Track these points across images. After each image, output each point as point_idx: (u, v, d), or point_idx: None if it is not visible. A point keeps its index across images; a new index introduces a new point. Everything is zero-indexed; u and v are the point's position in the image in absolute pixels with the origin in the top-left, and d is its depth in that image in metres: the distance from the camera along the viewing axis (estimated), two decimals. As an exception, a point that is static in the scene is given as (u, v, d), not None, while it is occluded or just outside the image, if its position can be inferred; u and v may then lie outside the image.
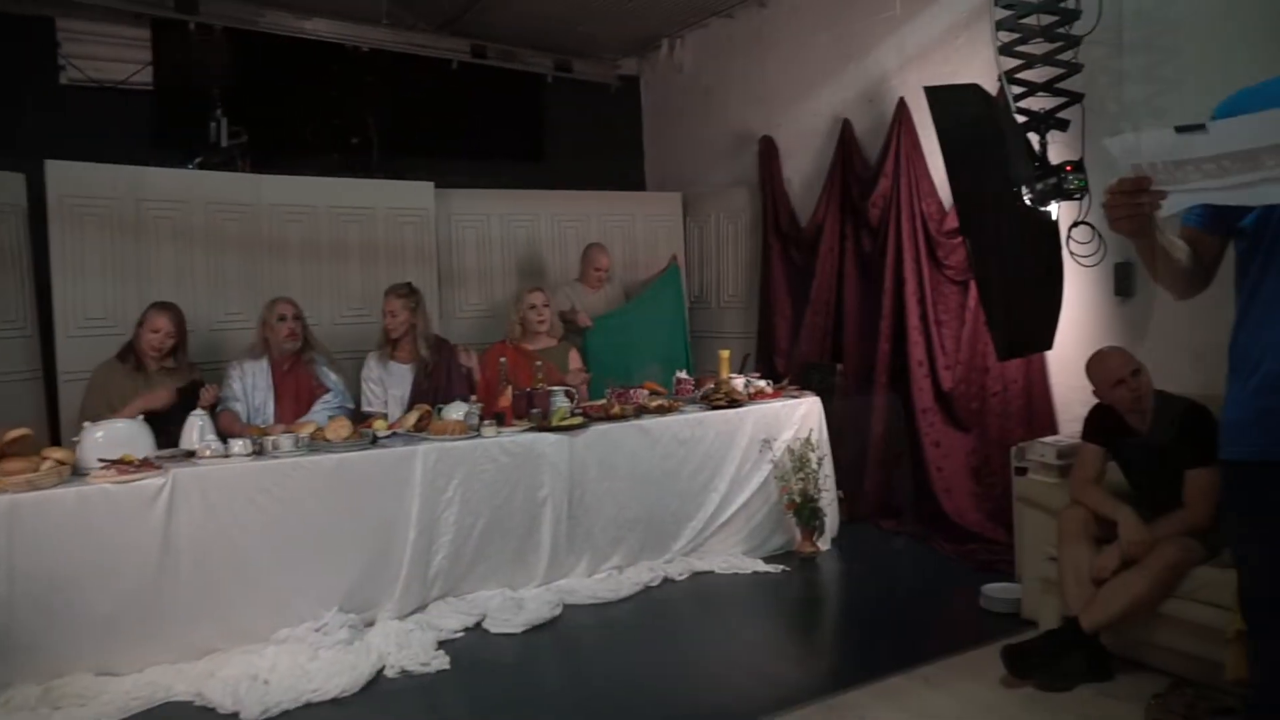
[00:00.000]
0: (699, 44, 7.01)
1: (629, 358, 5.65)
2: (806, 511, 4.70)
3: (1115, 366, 3.40)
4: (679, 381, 5.05)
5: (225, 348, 5.12)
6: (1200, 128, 1.63)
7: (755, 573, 4.58)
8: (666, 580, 4.45)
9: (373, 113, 6.51)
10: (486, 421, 4.24)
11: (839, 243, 5.64)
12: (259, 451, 3.77)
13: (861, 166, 5.54)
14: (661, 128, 7.56)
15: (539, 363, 4.75)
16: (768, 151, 6.24)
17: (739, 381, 4.95)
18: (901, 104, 5.21)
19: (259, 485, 3.65)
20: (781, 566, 4.65)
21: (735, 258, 6.65)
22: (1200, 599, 3.11)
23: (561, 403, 4.40)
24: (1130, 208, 1.73)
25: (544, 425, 4.30)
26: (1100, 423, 3.53)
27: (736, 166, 6.64)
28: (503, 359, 4.72)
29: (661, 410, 4.66)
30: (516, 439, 4.22)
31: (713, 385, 4.91)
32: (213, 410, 4.18)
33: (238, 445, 3.73)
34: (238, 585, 3.58)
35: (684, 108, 7.21)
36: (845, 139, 5.62)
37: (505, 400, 4.43)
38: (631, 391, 4.79)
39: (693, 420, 4.68)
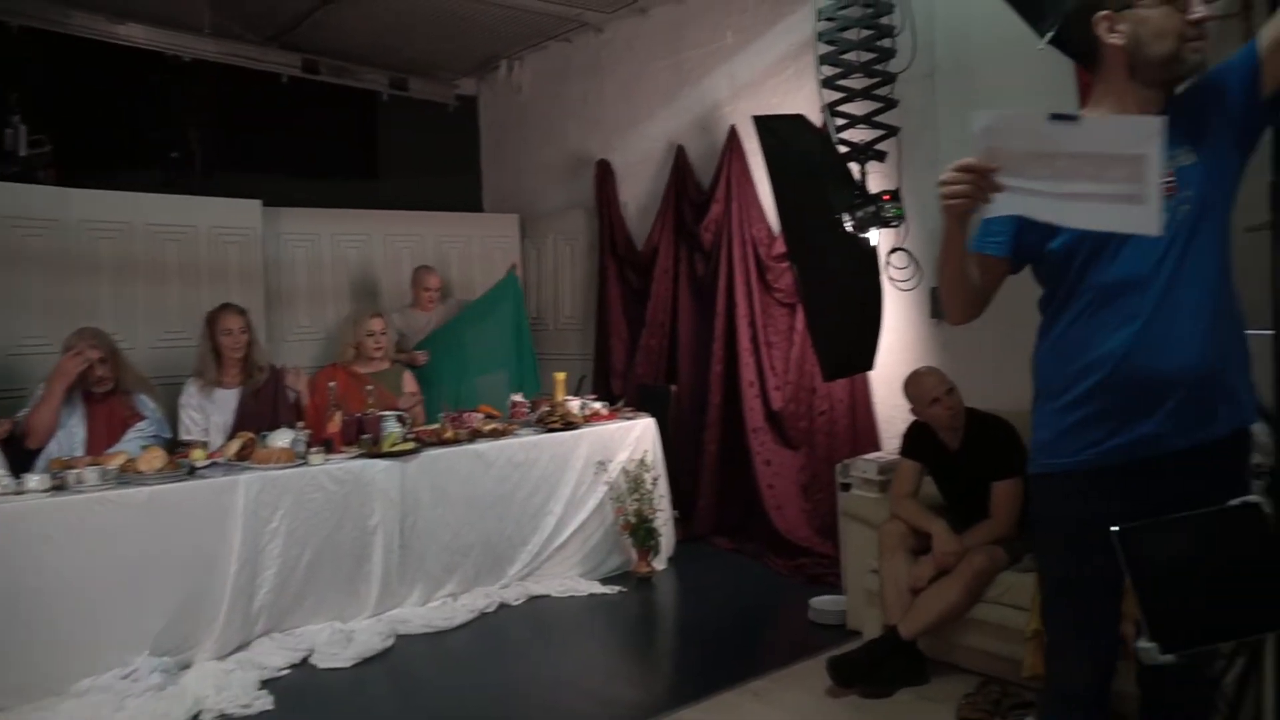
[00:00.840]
0: (537, 66, 7.03)
1: (466, 373, 5.59)
2: (642, 532, 4.75)
3: (930, 386, 3.59)
4: (514, 404, 5.02)
5: (24, 373, 4.76)
6: (1074, 118, 1.65)
7: (592, 595, 4.58)
8: (503, 606, 4.40)
9: (195, 126, 6.22)
10: (314, 448, 4.09)
11: (674, 265, 5.75)
12: (60, 486, 3.51)
13: (695, 191, 5.67)
14: (499, 149, 7.52)
15: (370, 386, 4.63)
16: (604, 175, 6.31)
17: (574, 403, 4.96)
18: (733, 132, 5.38)
19: (57, 523, 3.39)
20: (618, 588, 4.67)
21: (572, 280, 6.68)
22: (1004, 602, 3.33)
23: (393, 428, 4.29)
24: (971, 187, 1.70)
25: (375, 451, 4.19)
26: (916, 439, 3.72)
27: (574, 189, 6.68)
28: (332, 383, 4.58)
29: (496, 434, 4.62)
30: (346, 466, 4.09)
31: (548, 407, 4.90)
32: (7, 442, 3.88)
33: (33, 480, 3.46)
34: (29, 635, 3.29)
35: (522, 129, 7.20)
36: (680, 164, 5.75)
37: (334, 426, 4.29)
38: (466, 415, 4.73)
39: (528, 443, 4.66)
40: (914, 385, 3.65)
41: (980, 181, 1.69)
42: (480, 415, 4.80)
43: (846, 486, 4.15)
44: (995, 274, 1.97)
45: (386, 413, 4.37)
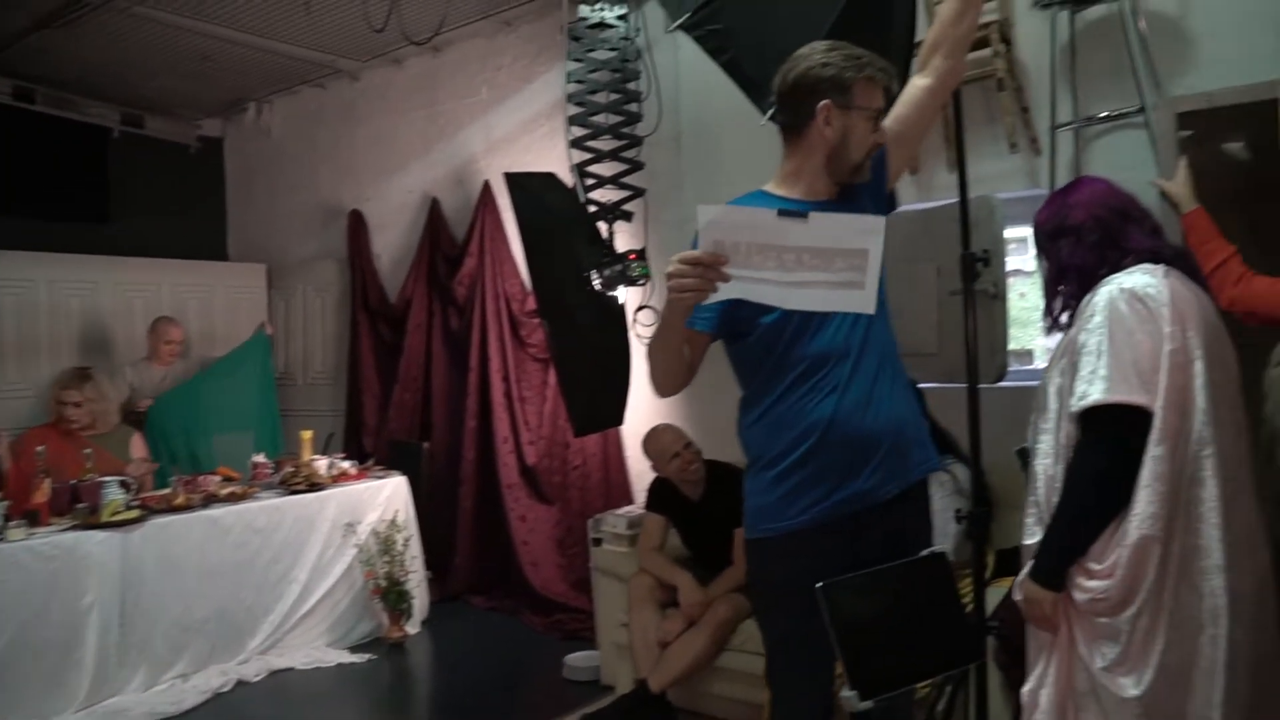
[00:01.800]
0: (288, 110, 6.78)
1: (204, 434, 5.24)
2: (393, 595, 4.59)
3: (668, 442, 3.70)
4: (255, 465, 4.74)
5: None
6: (802, 215, 1.71)
7: (340, 665, 4.37)
8: (241, 684, 4.11)
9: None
10: (14, 521, 3.69)
11: (427, 319, 5.66)
12: None
13: (449, 245, 5.63)
14: (246, 194, 7.17)
15: (88, 450, 4.23)
16: (357, 225, 6.15)
17: (322, 463, 4.75)
18: (487, 186, 5.39)
19: None
20: (368, 655, 4.48)
21: (323, 333, 6.43)
22: (748, 649, 3.44)
23: (115, 494, 3.93)
24: (699, 280, 1.71)
25: (92, 522, 3.83)
26: (660, 494, 3.81)
27: (326, 239, 6.46)
28: (41, 447, 4.14)
29: (234, 497, 4.34)
30: (54, 540, 3.71)
31: (292, 468, 4.67)
32: None
33: None
34: None
35: (271, 175, 6.91)
36: (434, 217, 5.69)
37: (42, 495, 3.89)
38: (201, 478, 4.41)
39: (269, 506, 4.41)
40: (653, 442, 3.75)
41: (708, 274, 1.71)
42: (217, 478, 4.50)
43: (598, 541, 4.19)
44: (701, 347, 2.03)
45: (107, 478, 4.01)
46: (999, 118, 3.69)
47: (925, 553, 1.90)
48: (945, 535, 3.01)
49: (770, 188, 2.07)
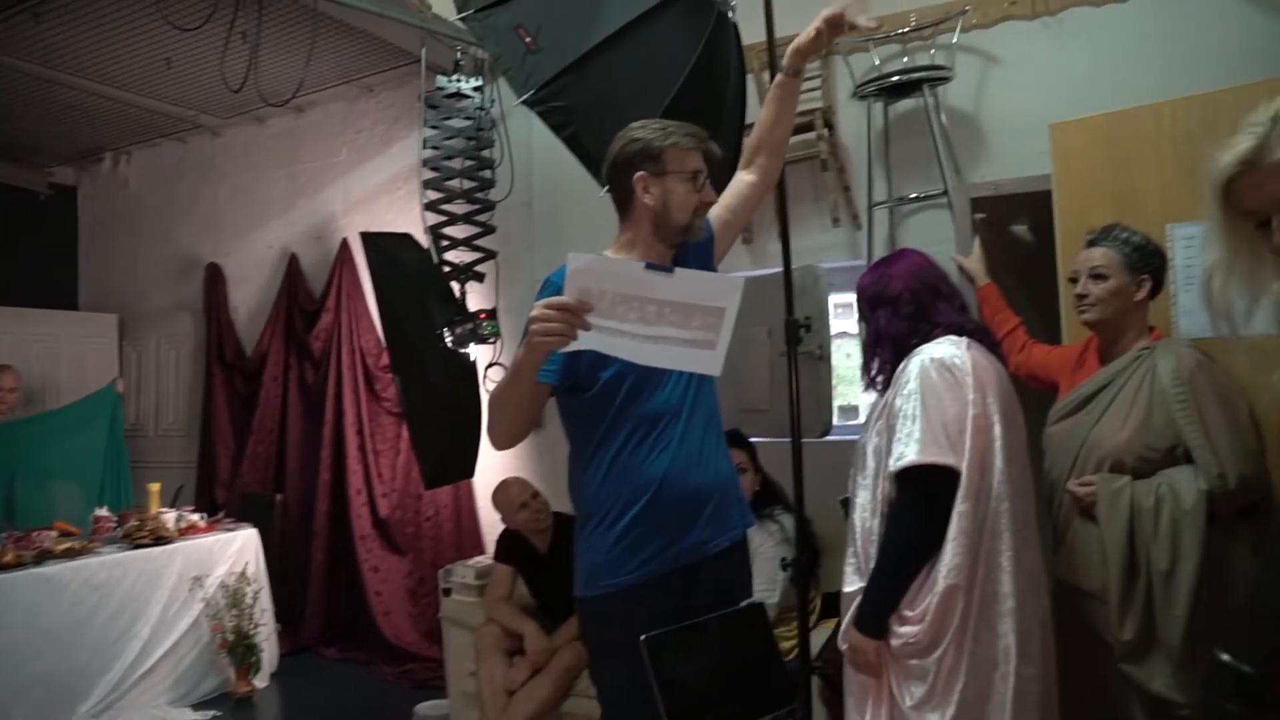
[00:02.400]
0: (147, 162, 6.47)
1: (32, 484, 4.85)
2: (241, 649, 4.33)
3: (516, 494, 3.64)
4: (97, 519, 4.42)
5: None
6: (668, 270, 1.68)
7: (182, 723, 4.09)
8: (70, 747, 3.79)
9: None
10: None
11: (283, 373, 5.45)
12: None
13: (307, 300, 5.45)
14: (101, 244, 6.76)
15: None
16: (215, 278, 5.89)
17: (170, 516, 4.47)
18: (345, 244, 5.26)
19: None
20: (213, 712, 4.19)
21: (176, 385, 6.09)
22: (591, 695, 3.35)
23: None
24: (563, 325, 1.66)
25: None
26: (508, 545, 3.74)
27: (181, 291, 6.14)
28: None
29: (71, 553, 4.02)
30: None
31: (137, 522, 4.37)
32: None
33: None
34: None
35: (128, 226, 6.54)
36: (292, 272, 5.51)
37: None
38: (35, 534, 4.07)
39: (110, 562, 4.09)
40: (501, 494, 3.70)
41: (572, 319, 1.66)
42: (54, 533, 4.16)
43: (448, 591, 4.07)
44: (542, 400, 2.00)
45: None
46: (824, 195, 3.85)
47: (744, 604, 1.92)
48: (774, 581, 3.06)
49: (609, 254, 2.09)
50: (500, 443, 2.00)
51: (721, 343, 1.74)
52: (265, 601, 4.58)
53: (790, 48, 2.22)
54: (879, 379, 2.09)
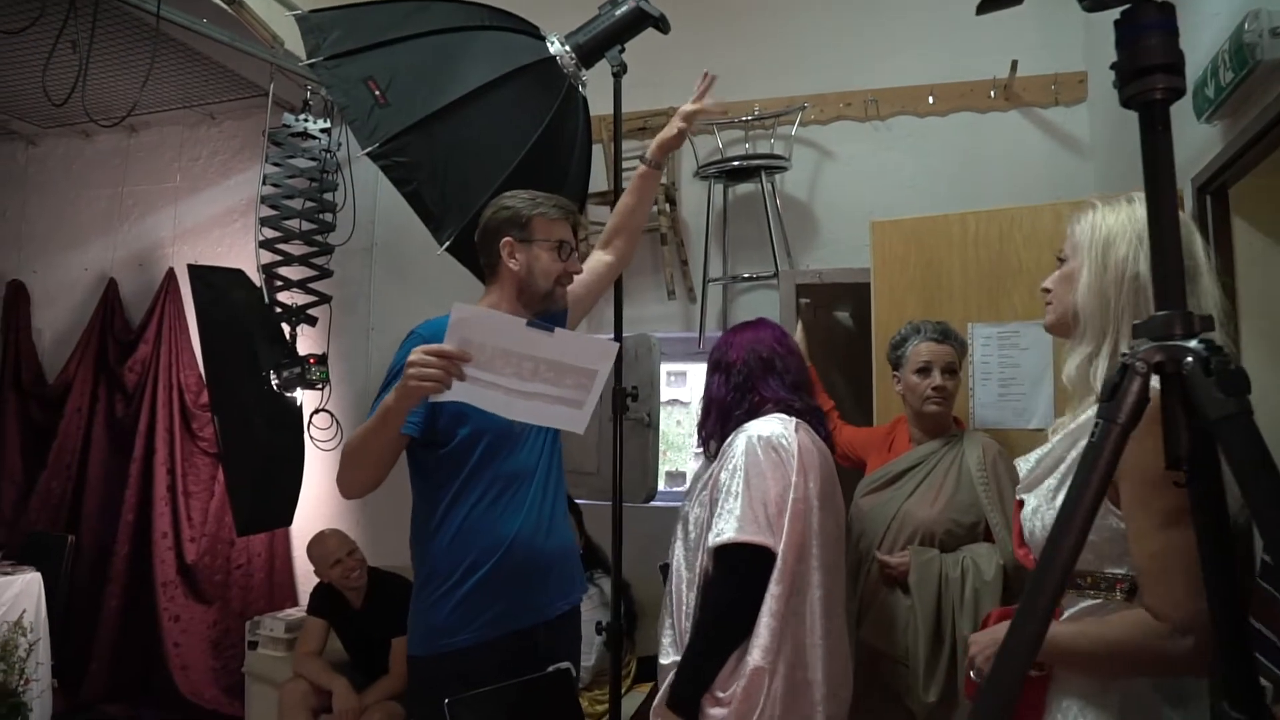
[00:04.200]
0: (-53, 166, 5.98)
1: None
2: (3, 710, 3.94)
3: (332, 548, 3.53)
4: None
5: None
6: (549, 329, 1.73)
7: (-73, 791, 3.68)
8: None
9: None
10: None
11: (89, 404, 5.07)
12: None
13: (123, 329, 5.13)
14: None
15: None
16: (17, 297, 5.44)
17: (-64, 556, 4.08)
18: (171, 274, 5.01)
19: None
20: (-34, 777, 3.80)
21: (-39, 409, 5.58)
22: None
23: None
24: (441, 372, 1.68)
25: None
26: (322, 598, 3.61)
27: (-24, 308, 5.67)
28: None
29: None
30: None
31: (-105, 560, 3.96)
32: None
33: None
34: None
35: (-83, 232, 6.01)
36: (109, 298, 5.17)
37: None
38: None
39: None
40: (317, 546, 3.58)
41: (449, 368, 1.68)
42: None
43: (254, 644, 3.89)
44: (398, 451, 1.96)
45: None
46: (661, 268, 3.98)
47: (551, 668, 1.93)
48: (590, 644, 3.09)
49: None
50: (351, 491, 1.95)
51: (589, 403, 1.79)
52: (42, 654, 4.18)
53: (654, 142, 2.38)
54: (711, 443, 2.10)
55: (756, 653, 1.79)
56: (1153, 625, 1.19)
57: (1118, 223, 1.35)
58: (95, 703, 4.66)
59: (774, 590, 1.81)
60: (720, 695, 1.81)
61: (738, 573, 1.84)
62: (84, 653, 4.68)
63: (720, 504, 1.88)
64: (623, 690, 2.64)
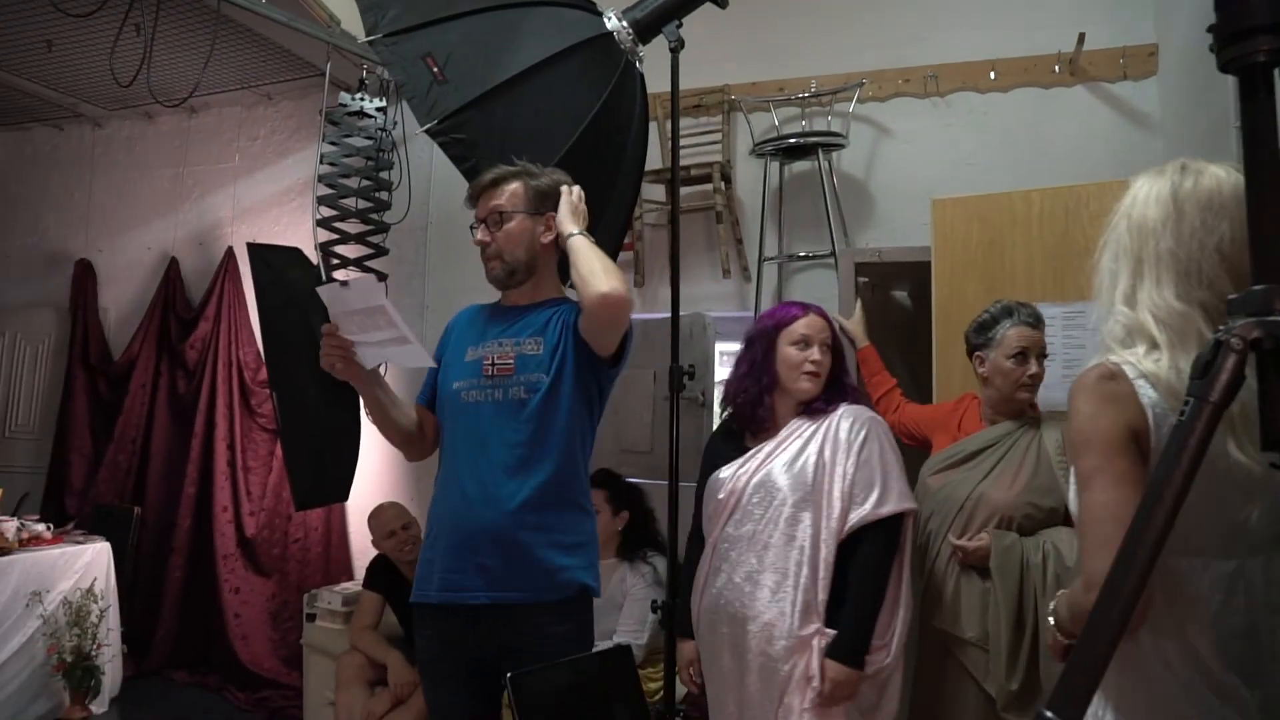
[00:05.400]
0: (15, 146, 6.09)
1: None
2: (79, 672, 4.06)
3: (388, 519, 3.58)
4: (-74, 525, 4.12)
5: None
6: (345, 283, 1.87)
7: (3, 751, 3.81)
8: None
9: None
10: None
11: (153, 380, 5.19)
12: None
13: (184, 307, 5.24)
14: (-45, 230, 6.35)
15: None
16: (85, 275, 5.58)
17: (9, 525, 4.18)
18: (230, 253, 5.09)
19: None
20: (41, 738, 3.94)
21: (32, 384, 5.72)
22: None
23: None
24: (329, 348, 1.94)
25: None
26: (378, 572, 3.66)
27: (46, 286, 5.79)
28: None
29: (-106, 560, 3.74)
30: None
31: (-28, 530, 4.09)
32: None
33: None
34: None
35: (-11, 211, 6.17)
36: (171, 277, 5.28)
37: None
38: None
39: (-63, 571, 3.82)
40: (375, 517, 3.63)
41: (329, 343, 1.91)
42: (-124, 537, 3.87)
43: (312, 617, 3.95)
44: (391, 419, 2.11)
45: None
46: (716, 246, 3.95)
47: (612, 645, 1.94)
48: (643, 624, 3.09)
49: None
50: (404, 454, 2.19)
51: (409, 335, 1.88)
52: (112, 620, 4.32)
53: None
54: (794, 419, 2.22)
55: (904, 598, 2.09)
56: (1078, 580, 1.22)
57: (1149, 182, 1.31)
58: (160, 670, 4.79)
59: (905, 548, 2.12)
60: (878, 643, 2.05)
61: (893, 537, 2.09)
62: (150, 621, 4.82)
63: (874, 477, 2.09)
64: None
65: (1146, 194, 1.30)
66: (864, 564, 2.06)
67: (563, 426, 1.99)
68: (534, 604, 1.93)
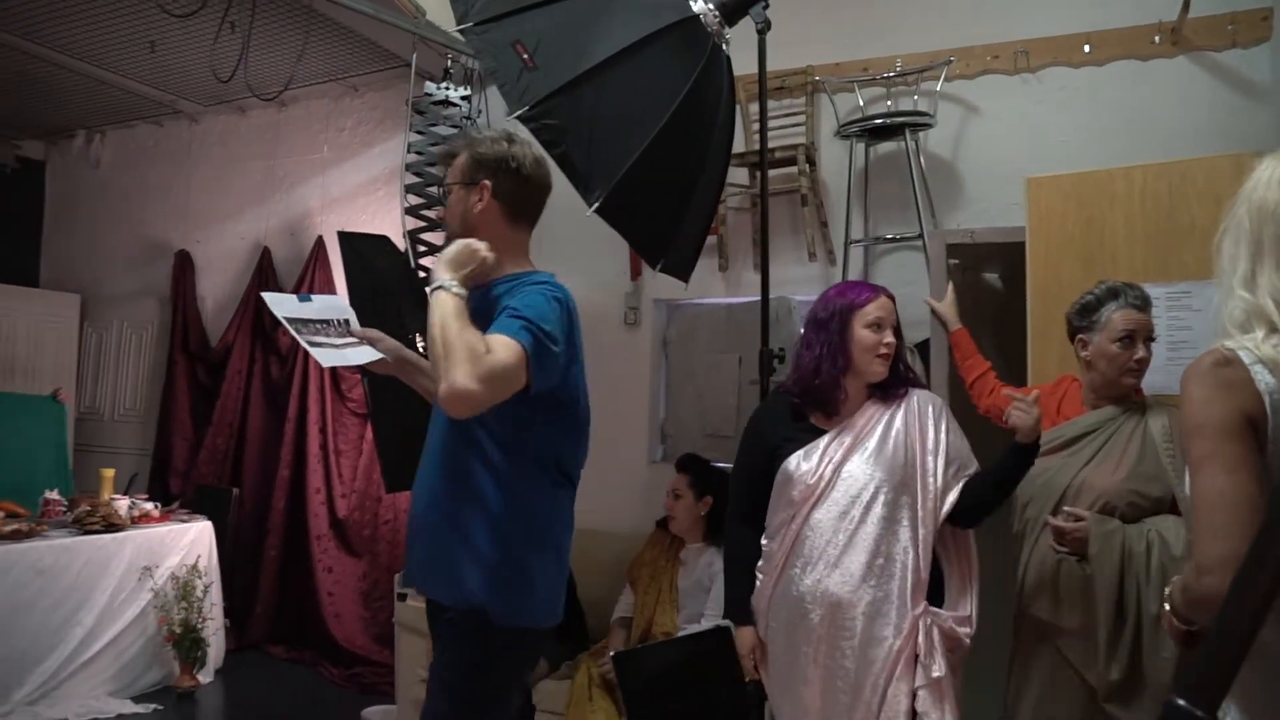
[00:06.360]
0: (120, 143, 6.36)
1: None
2: (187, 643, 4.25)
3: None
4: (47, 502, 4.33)
5: None
6: (309, 298, 2.19)
7: (120, 716, 3.99)
8: (3, 735, 3.69)
9: None
10: None
11: (248, 366, 5.38)
12: None
13: (278, 295, 5.40)
14: (66, 223, 6.62)
15: None
16: (184, 266, 5.81)
17: (122, 503, 4.39)
18: (320, 241, 5.23)
19: None
20: (153, 705, 4.11)
21: (136, 370, 5.98)
22: (544, 708, 3.36)
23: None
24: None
25: None
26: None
27: (148, 276, 6.05)
28: None
29: (18, 535, 3.93)
30: None
31: (89, 507, 4.29)
32: None
33: None
34: None
35: (96, 206, 6.42)
36: (264, 265, 5.46)
37: None
38: (-18, 513, 3.99)
39: (58, 546, 4.00)
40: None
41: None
42: (0, 513, 4.08)
43: (403, 596, 4.04)
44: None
45: None
46: (801, 229, 3.91)
47: (711, 626, 1.95)
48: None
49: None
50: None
51: (364, 338, 2.21)
52: (215, 596, 4.51)
53: None
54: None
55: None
56: (1189, 565, 1.19)
57: (1272, 164, 1.26)
58: (259, 644, 4.98)
59: None
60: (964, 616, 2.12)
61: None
62: (249, 597, 5.00)
63: (965, 455, 2.18)
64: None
65: (1269, 176, 1.26)
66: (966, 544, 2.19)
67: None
68: (444, 605, 1.95)
